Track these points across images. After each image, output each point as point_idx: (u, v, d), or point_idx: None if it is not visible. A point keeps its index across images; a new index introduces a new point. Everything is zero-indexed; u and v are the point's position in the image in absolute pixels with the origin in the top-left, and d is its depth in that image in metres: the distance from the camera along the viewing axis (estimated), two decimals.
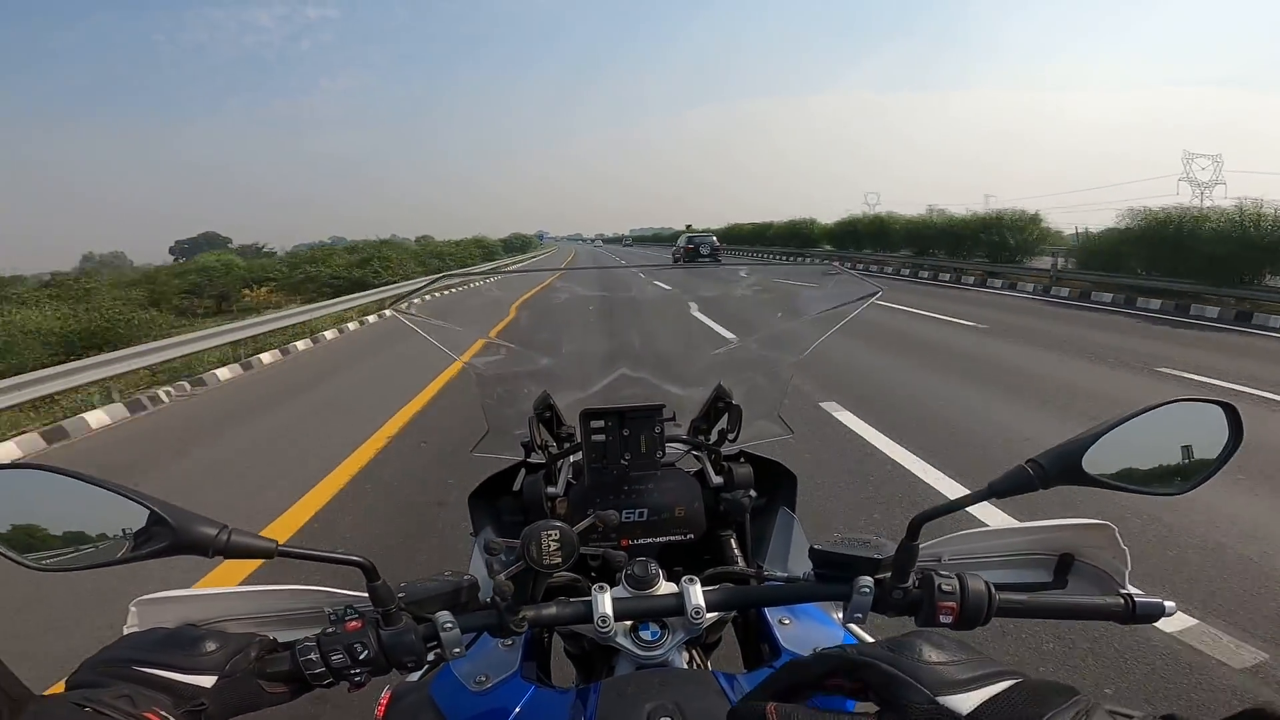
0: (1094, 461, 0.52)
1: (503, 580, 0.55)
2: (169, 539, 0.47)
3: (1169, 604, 0.57)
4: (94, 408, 5.74)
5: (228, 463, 4.26)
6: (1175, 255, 10.76)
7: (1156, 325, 8.61)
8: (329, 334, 10.39)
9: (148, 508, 0.47)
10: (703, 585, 0.62)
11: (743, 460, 0.98)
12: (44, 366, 6.13)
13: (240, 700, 0.49)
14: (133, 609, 0.57)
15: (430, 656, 0.55)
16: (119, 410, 5.84)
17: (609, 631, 0.60)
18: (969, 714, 0.35)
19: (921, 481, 3.33)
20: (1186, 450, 0.56)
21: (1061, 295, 12.30)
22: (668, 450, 0.95)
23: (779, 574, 0.68)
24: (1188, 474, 0.56)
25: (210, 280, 21.03)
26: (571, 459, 1.03)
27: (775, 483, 1.01)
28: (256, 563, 2.47)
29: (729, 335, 1.32)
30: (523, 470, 1.03)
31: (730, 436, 1.02)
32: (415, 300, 1.29)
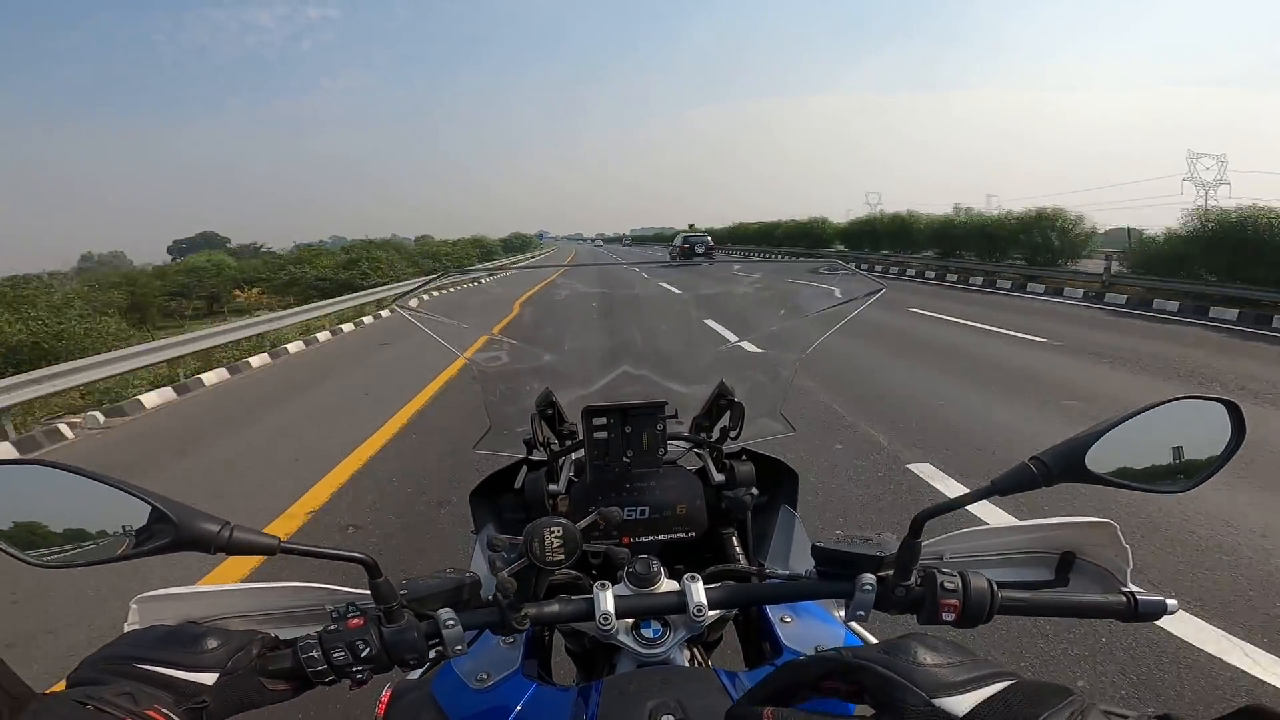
0: (1097, 459, 0.52)
1: (505, 577, 0.55)
2: (171, 535, 0.47)
3: (1171, 601, 0.57)
4: None
5: None
6: (1250, 259, 9.61)
7: (1251, 341, 7.39)
8: (292, 347, 8.98)
9: (150, 504, 0.47)
10: (704, 583, 0.62)
11: (744, 458, 0.98)
12: None
13: (242, 698, 0.49)
14: (134, 606, 0.57)
15: (432, 654, 0.55)
16: (3, 450, 4.76)
17: (611, 629, 0.60)
18: (965, 715, 0.35)
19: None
20: (1189, 448, 0.56)
21: (1117, 302, 11.03)
22: (670, 448, 0.95)
23: (781, 572, 0.68)
24: (1190, 472, 0.56)
25: (200, 281, 20.48)
26: (573, 456, 1.03)
27: (777, 480, 1.01)
28: (257, 560, 2.49)
29: (730, 335, 1.32)
30: (524, 468, 1.03)
31: (732, 434, 1.02)
32: (423, 296, 1.30)
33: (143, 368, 6.80)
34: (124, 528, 0.48)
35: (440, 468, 3.80)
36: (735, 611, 0.79)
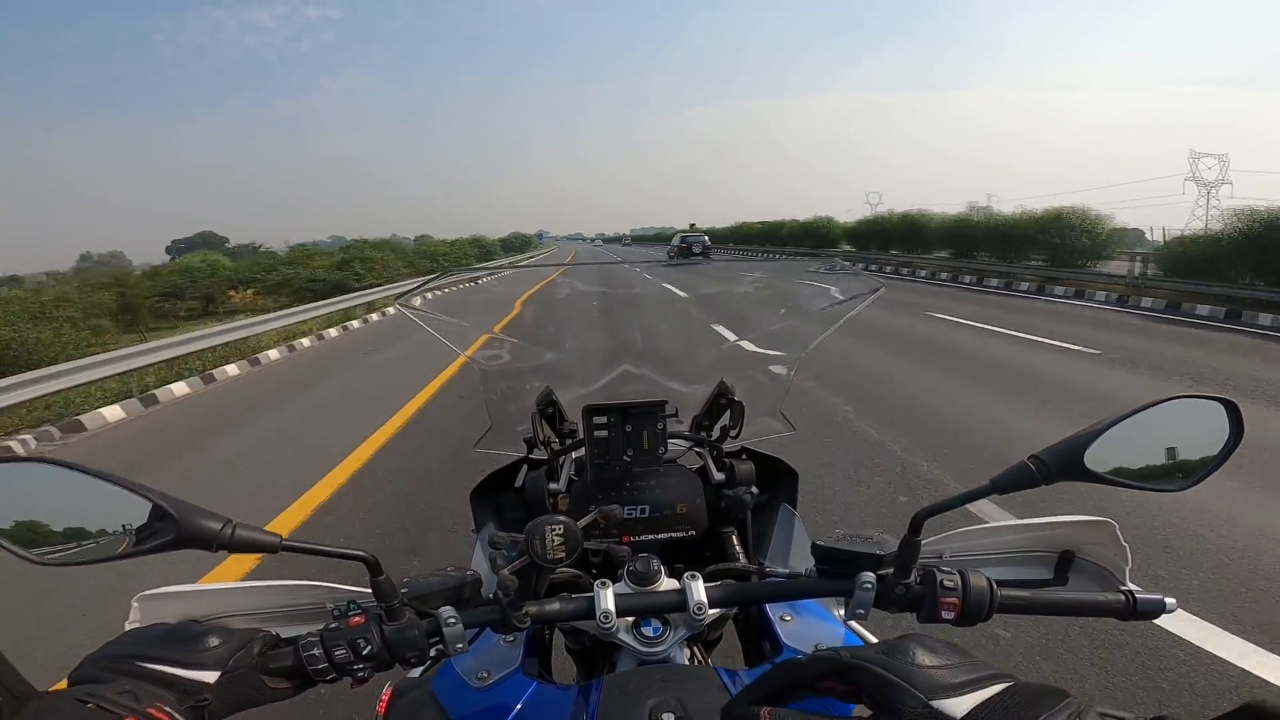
0: (1095, 458, 0.52)
1: (507, 575, 0.55)
2: (173, 533, 0.47)
3: (1169, 600, 0.58)
4: None
5: None
6: None
7: None
8: (271, 354, 8.35)
9: (152, 501, 0.47)
10: (704, 581, 0.62)
11: (744, 457, 0.99)
12: None
13: (243, 696, 0.49)
14: (135, 604, 0.57)
15: (432, 653, 0.55)
16: None
17: (611, 628, 0.60)
18: (963, 718, 0.35)
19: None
20: (1188, 447, 0.56)
21: (1146, 306, 10.46)
22: (670, 447, 0.95)
23: (781, 570, 0.68)
24: (1189, 471, 0.56)
25: (194, 282, 20.01)
26: (574, 455, 1.03)
27: (777, 479, 1.01)
28: (258, 558, 2.49)
29: (730, 335, 1.32)
30: (525, 466, 1.03)
31: (732, 433, 1.02)
32: (425, 295, 1.30)
33: (99, 380, 6.01)
34: (125, 526, 0.48)
35: (407, 537, 2.83)
36: (735, 610, 0.80)
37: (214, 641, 0.50)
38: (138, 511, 0.47)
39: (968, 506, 0.54)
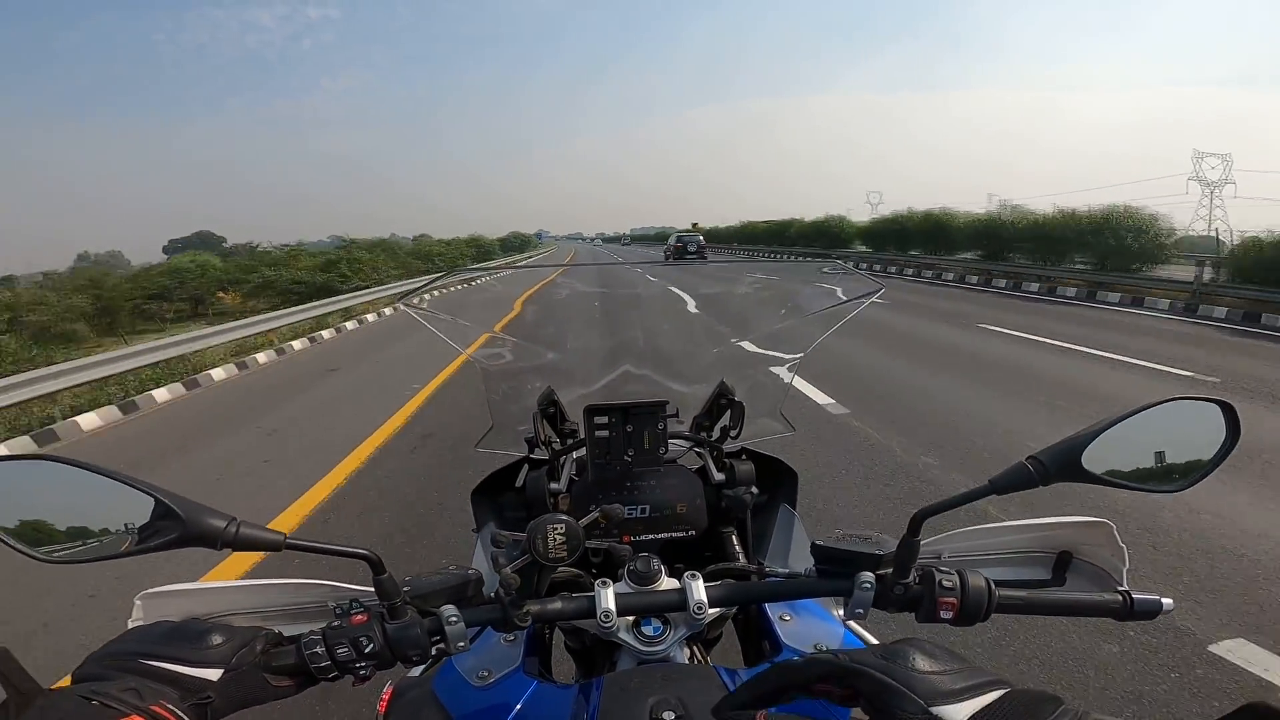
0: (1093, 459, 0.53)
1: (509, 573, 0.55)
2: (178, 531, 0.47)
3: (1166, 601, 0.58)
4: None
5: None
6: None
7: None
8: (217, 374, 6.98)
9: (156, 499, 0.47)
10: (705, 581, 0.62)
11: (744, 457, 0.99)
12: None
13: (246, 693, 0.50)
14: (138, 602, 0.58)
15: (434, 651, 0.56)
16: None
17: (612, 627, 0.60)
18: None
19: None
20: (1185, 448, 0.56)
21: (1217, 316, 9.31)
22: (670, 447, 0.96)
23: (780, 570, 0.69)
24: (1185, 472, 0.56)
25: (182, 283, 19.31)
26: (575, 455, 1.03)
27: (776, 480, 1.01)
28: (260, 556, 2.48)
29: (731, 336, 1.32)
30: (525, 466, 1.04)
31: (732, 433, 1.02)
32: (426, 295, 1.30)
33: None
34: (129, 524, 0.48)
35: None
36: (735, 609, 0.80)
37: (217, 639, 0.50)
38: (142, 509, 0.47)
39: (967, 507, 0.54)
